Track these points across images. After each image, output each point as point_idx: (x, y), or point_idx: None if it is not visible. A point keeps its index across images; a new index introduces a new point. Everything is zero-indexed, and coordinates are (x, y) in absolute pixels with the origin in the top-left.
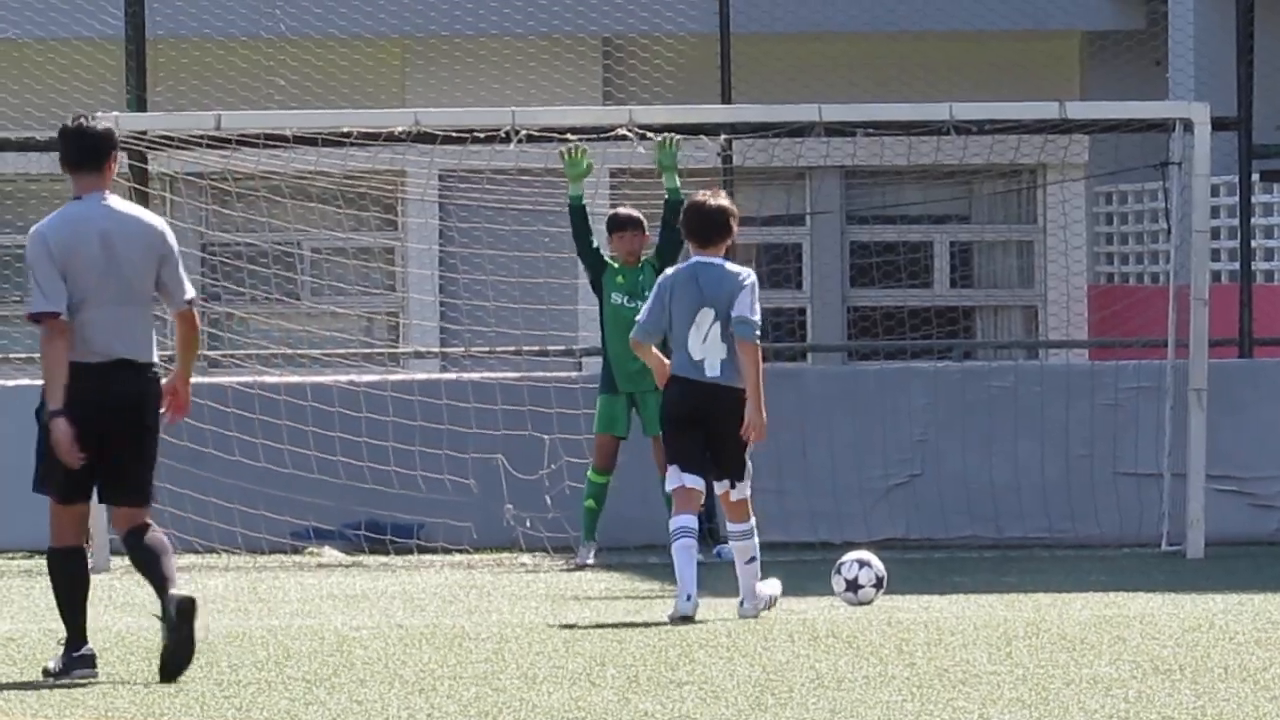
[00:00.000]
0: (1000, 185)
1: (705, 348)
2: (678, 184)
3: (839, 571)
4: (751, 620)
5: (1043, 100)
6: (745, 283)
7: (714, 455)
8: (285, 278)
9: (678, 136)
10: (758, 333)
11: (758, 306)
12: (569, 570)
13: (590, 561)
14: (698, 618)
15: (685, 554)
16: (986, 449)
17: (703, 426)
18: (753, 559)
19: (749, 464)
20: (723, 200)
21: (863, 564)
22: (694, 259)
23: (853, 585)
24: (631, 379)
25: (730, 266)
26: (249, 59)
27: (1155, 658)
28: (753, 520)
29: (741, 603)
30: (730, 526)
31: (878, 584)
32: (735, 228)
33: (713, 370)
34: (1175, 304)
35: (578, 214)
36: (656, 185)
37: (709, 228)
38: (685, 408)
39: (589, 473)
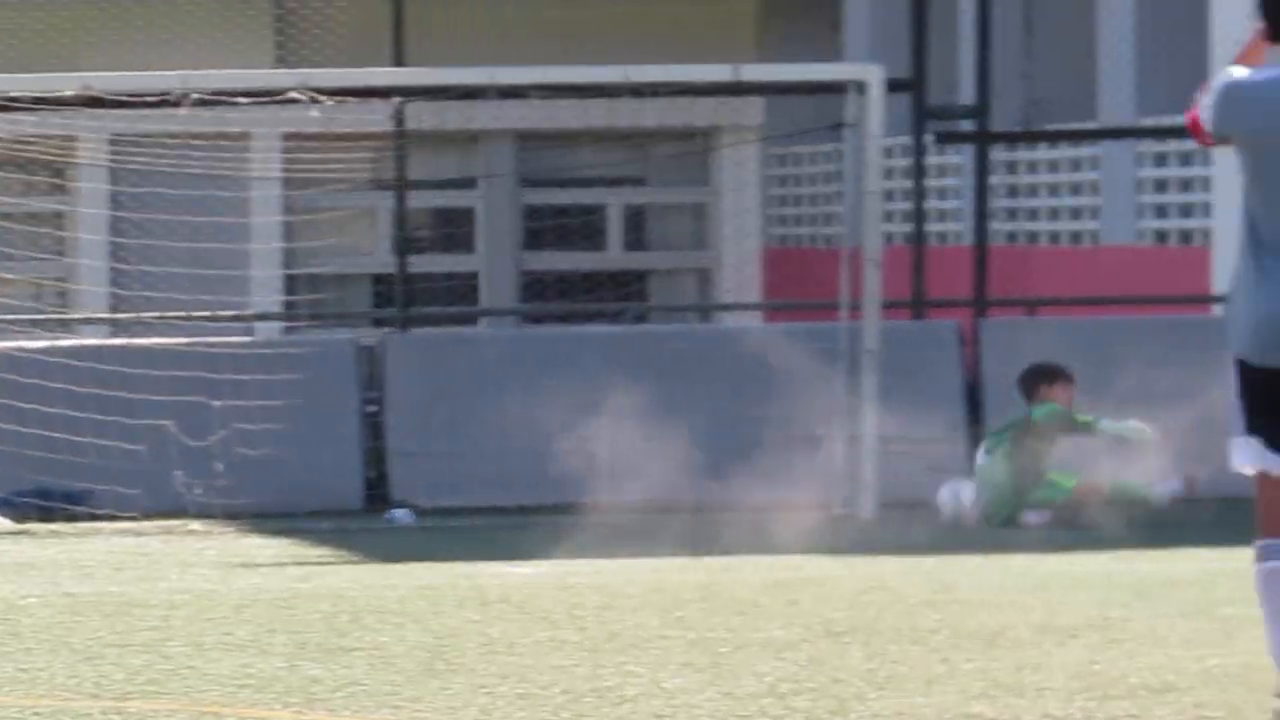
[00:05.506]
0: (674, 148)
1: None
2: None
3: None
4: (427, 587)
5: (719, 63)
6: None
7: None
8: None
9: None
10: None
11: None
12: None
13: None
14: (369, 584)
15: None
16: (660, 412)
17: None
18: None
19: None
20: None
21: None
22: None
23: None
24: None
25: None
26: None
27: (827, 620)
28: None
29: None
30: None
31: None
32: None
33: None
34: (849, 266)
35: None
36: (330, 150)
37: None
38: None
39: None
